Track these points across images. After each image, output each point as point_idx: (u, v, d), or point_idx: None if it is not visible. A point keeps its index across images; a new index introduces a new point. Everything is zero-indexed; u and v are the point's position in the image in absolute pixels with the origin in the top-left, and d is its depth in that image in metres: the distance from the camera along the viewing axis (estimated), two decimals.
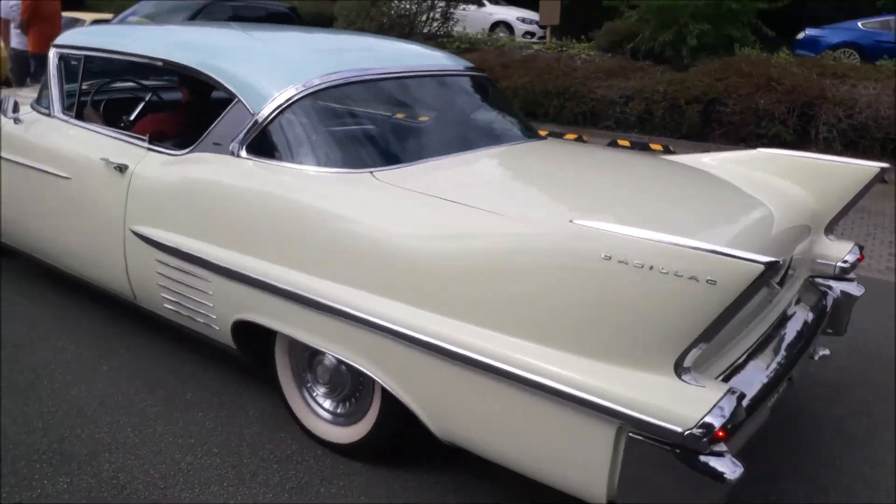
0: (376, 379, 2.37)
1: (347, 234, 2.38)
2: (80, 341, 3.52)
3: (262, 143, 2.75)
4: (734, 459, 1.80)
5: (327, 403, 2.77)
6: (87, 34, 3.95)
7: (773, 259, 1.64)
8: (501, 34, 16.53)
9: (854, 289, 2.92)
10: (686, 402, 1.78)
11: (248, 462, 2.69)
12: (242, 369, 3.29)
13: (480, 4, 17.61)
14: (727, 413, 1.77)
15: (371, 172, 2.58)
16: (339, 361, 2.59)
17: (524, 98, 10.50)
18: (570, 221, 1.92)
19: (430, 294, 2.16)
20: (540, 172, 3.01)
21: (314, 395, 2.80)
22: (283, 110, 2.73)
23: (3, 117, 3.68)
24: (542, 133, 4.01)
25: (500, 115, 3.61)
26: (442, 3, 13.91)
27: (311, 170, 2.63)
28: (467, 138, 3.23)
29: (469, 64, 3.71)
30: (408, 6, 13.60)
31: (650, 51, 11.36)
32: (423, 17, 13.71)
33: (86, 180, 3.28)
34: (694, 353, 1.83)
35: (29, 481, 2.52)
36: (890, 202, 7.07)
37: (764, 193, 2.74)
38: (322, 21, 15.07)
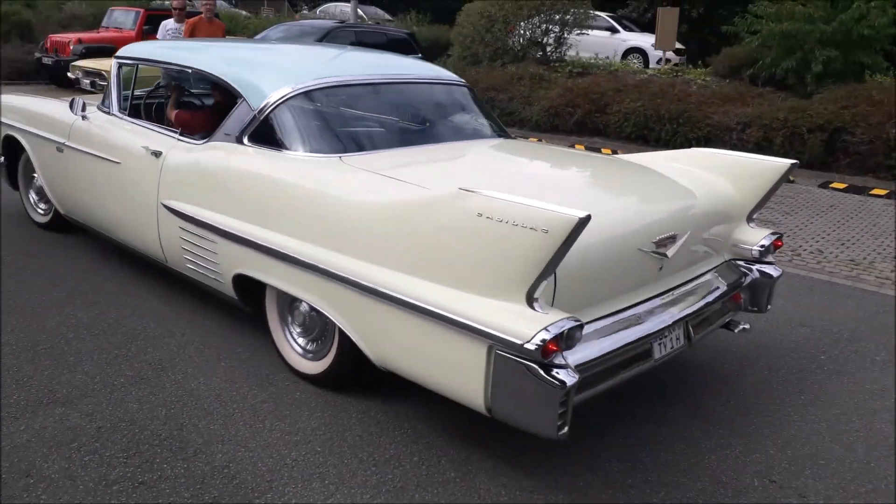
0: (330, 317, 3.00)
1: (313, 203, 3.06)
2: (202, 339, 3.78)
3: (260, 134, 3.47)
4: (571, 371, 2.31)
5: (301, 342, 3.42)
6: (140, 48, 4.80)
7: (585, 214, 2.16)
8: (635, 61, 16.36)
9: (772, 270, 3.43)
10: (529, 323, 2.30)
11: (348, 462, 2.81)
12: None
13: (614, 31, 17.53)
14: (557, 331, 2.28)
15: (339, 157, 3.27)
16: (310, 307, 3.21)
17: (635, 122, 10.36)
18: (459, 189, 2.44)
19: (361, 246, 2.80)
20: (474, 160, 3.73)
21: (293, 335, 3.45)
22: (276, 107, 3.44)
23: (73, 113, 4.49)
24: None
25: (473, 117, 4.25)
26: (556, 29, 13.95)
27: (293, 154, 3.34)
28: (431, 133, 3.96)
29: (454, 77, 4.41)
30: (521, 31, 13.73)
31: (771, 77, 10.95)
32: (538, 42, 13.79)
33: (131, 164, 4.04)
34: (541, 286, 2.35)
35: (150, 463, 2.73)
36: None
37: (684, 183, 3.39)
38: (439, 46, 15.50)
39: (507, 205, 2.33)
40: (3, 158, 5.47)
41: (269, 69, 3.91)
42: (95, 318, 3.94)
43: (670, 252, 2.96)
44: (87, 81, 12.08)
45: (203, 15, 8.72)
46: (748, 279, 3.44)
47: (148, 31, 15.50)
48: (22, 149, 5.14)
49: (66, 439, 2.83)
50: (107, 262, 4.81)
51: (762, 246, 3.41)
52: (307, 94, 3.55)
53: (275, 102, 3.45)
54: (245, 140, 3.50)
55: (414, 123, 4.04)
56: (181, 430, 2.96)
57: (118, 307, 4.11)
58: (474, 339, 2.41)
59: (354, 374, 3.20)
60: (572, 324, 2.35)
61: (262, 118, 3.46)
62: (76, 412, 3.02)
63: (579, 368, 2.42)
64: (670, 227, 2.99)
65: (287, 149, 3.38)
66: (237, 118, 3.58)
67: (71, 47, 14.56)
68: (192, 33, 8.44)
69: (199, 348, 3.68)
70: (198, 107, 4.65)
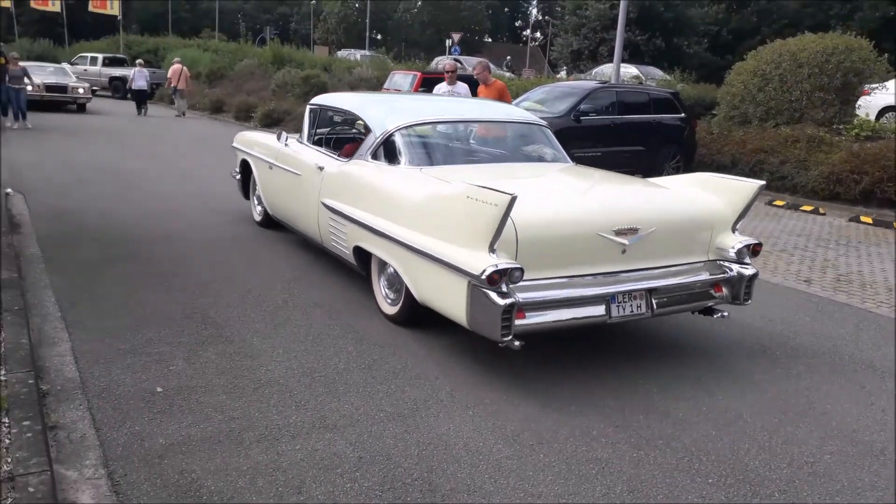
0: (399, 272, 4.46)
1: (392, 196, 4.67)
2: (453, 384, 3.91)
3: (378, 154, 5.12)
4: (510, 298, 3.56)
5: (387, 292, 4.88)
6: (322, 98, 6.57)
7: (514, 195, 3.43)
8: None
9: (748, 270, 4.36)
10: (484, 263, 3.57)
11: None
12: (596, 446, 3.31)
13: None
14: (500, 268, 3.54)
15: (420, 168, 4.84)
16: (392, 269, 4.63)
17: None
18: (465, 185, 3.82)
19: (411, 221, 4.28)
20: (516, 174, 5.16)
21: (383, 287, 4.90)
22: (388, 137, 5.07)
23: (279, 142, 6.47)
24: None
25: (535, 147, 5.72)
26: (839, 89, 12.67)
27: (391, 166, 5.00)
28: (498, 155, 5.64)
29: (532, 118, 5.99)
30: (798, 94, 12.69)
31: None
32: (817, 104, 12.63)
33: (307, 176, 5.81)
34: (498, 241, 3.61)
35: (402, 502, 2.84)
36: None
37: (669, 197, 4.66)
38: (703, 105, 14.90)
39: (478, 190, 3.69)
40: (238, 175, 7.73)
41: (390, 111, 5.43)
42: (363, 353, 4.27)
43: (629, 241, 4.07)
44: None
45: (480, 84, 9.31)
46: (727, 275, 4.40)
47: (422, 92, 17.01)
48: (251, 170, 7.31)
49: (332, 464, 3.06)
50: (373, 301, 5.23)
51: (739, 249, 4.39)
52: (409, 127, 5.16)
53: (389, 131, 5.09)
54: (368, 157, 5.16)
55: (480, 148, 5.76)
56: (431, 472, 3.06)
57: (382, 345, 4.42)
58: (460, 275, 3.76)
59: (414, 314, 4.55)
60: (513, 265, 3.63)
61: (380, 142, 5.11)
62: (342, 440, 3.26)
63: (529, 304, 3.76)
64: (633, 222, 4.10)
65: (390, 163, 5.02)
66: (367, 142, 5.26)
67: None
68: (497, 94, 9.07)
69: (450, 393, 3.81)
70: (352, 137, 6.33)
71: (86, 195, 8.61)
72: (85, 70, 27.81)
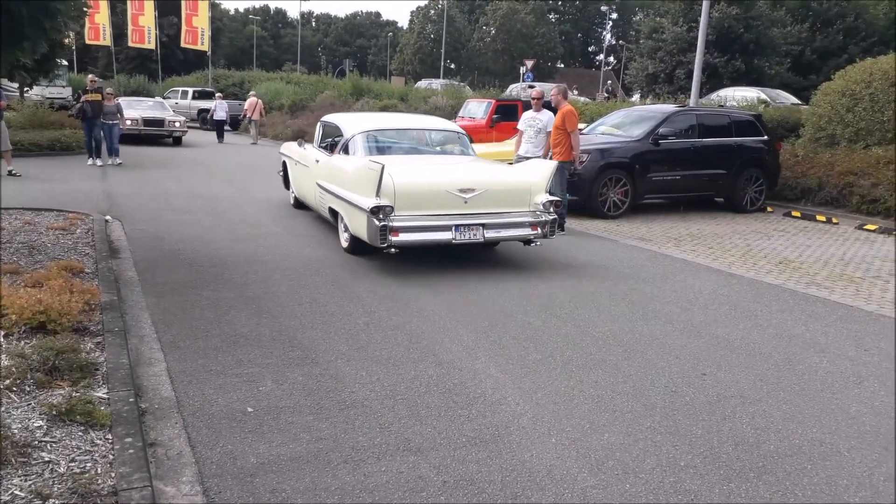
0: (344, 217, 7.38)
1: (345, 174, 7.38)
2: (534, 411, 3.89)
3: (345, 150, 7.92)
4: (384, 221, 6.41)
5: (344, 234, 7.49)
6: (326, 116, 9.64)
7: (382, 164, 6.38)
8: None
9: (551, 216, 7.01)
10: (371, 203, 6.41)
11: None
12: (684, 477, 3.22)
13: None
14: (378, 204, 6.39)
15: (368, 158, 7.16)
16: (341, 216, 7.44)
17: None
18: (369, 160, 6.84)
19: (348, 185, 7.16)
20: (421, 159, 7.89)
21: (341, 231, 7.57)
22: (350, 139, 7.91)
23: (301, 147, 9.61)
24: None
25: (454, 146, 8.53)
26: None
27: (349, 157, 7.73)
28: (420, 149, 8.26)
29: (452, 127, 9.02)
30: (890, 114, 12.11)
31: None
32: None
33: (311, 166, 8.76)
34: (381, 192, 6.44)
35: None
36: None
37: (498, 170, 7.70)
38: (786, 127, 14.43)
39: (369, 162, 6.62)
40: (281, 172, 11.00)
41: (356, 123, 8.35)
42: (443, 377, 4.31)
43: (468, 197, 6.76)
44: None
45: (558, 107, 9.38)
46: (540, 220, 7.05)
47: (497, 119, 17.13)
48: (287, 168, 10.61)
49: (417, 487, 3.09)
50: (452, 327, 5.27)
51: (545, 203, 7.05)
52: (364, 132, 8.03)
53: (352, 135, 7.97)
54: (340, 153, 8.02)
55: (412, 145, 8.33)
56: (515, 499, 3.04)
57: (461, 370, 4.44)
58: (362, 211, 6.49)
59: (356, 246, 7.22)
60: (385, 204, 6.37)
61: (347, 143, 7.96)
62: (426, 463, 3.29)
63: (400, 227, 6.48)
64: (471, 185, 6.83)
65: (349, 155, 7.80)
66: (340, 143, 8.14)
67: None
68: (573, 117, 9.14)
69: (531, 420, 3.78)
70: (338, 142, 8.47)
71: (177, 221, 9.05)
72: (176, 103, 29.28)
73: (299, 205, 10.09)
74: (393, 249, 6.50)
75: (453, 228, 6.74)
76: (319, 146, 9.03)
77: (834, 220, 11.08)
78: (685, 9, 29.37)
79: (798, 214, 11.61)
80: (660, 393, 4.21)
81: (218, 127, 23.91)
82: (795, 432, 3.77)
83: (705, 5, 14.75)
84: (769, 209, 12.05)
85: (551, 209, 7.05)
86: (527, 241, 7.22)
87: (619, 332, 5.31)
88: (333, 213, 7.77)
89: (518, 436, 3.61)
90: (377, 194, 6.41)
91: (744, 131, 11.80)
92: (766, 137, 11.99)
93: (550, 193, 7.25)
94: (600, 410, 3.93)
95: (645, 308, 5.98)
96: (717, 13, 27.33)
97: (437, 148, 8.47)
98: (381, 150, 7.91)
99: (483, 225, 6.84)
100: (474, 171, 7.42)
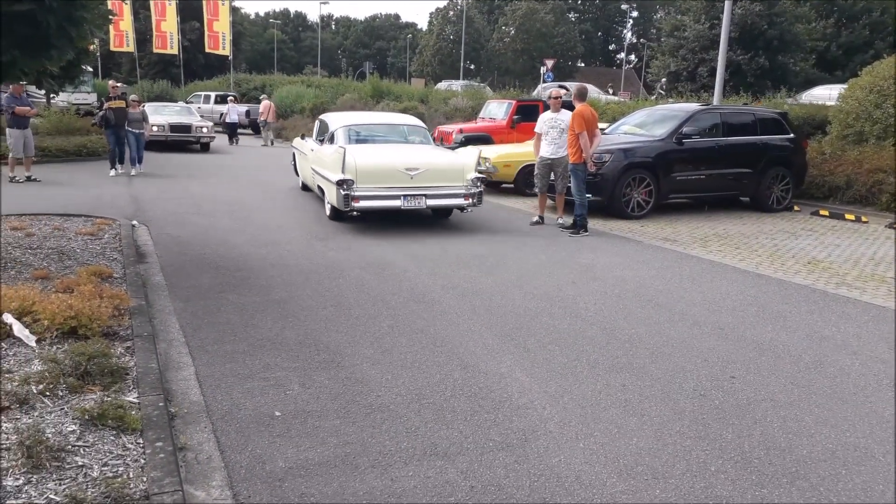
0: (324, 190, 9.87)
1: (324, 157, 9.90)
2: (561, 416, 3.87)
3: (330, 140, 10.11)
4: (349, 191, 8.73)
5: (327, 205, 9.75)
6: (324, 115, 11.70)
7: (345, 148, 8.89)
8: None
9: (478, 189, 9.26)
10: (337, 177, 8.83)
11: None
12: (714, 482, 3.18)
13: None
14: (343, 178, 8.71)
15: (344, 147, 9.00)
16: (324, 191, 9.82)
17: None
18: (340, 148, 8.98)
19: (326, 166, 9.62)
20: (385, 146, 9.90)
21: (325, 202, 9.88)
22: (334, 131, 10.13)
23: (303, 140, 12.14)
24: None
25: (416, 135, 10.51)
26: None
27: (331, 146, 9.81)
28: (387, 139, 10.26)
29: (414, 122, 11.08)
30: None
31: None
32: None
33: (308, 154, 11.21)
34: (346, 170, 8.73)
35: None
36: None
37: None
38: (813, 124, 14.23)
39: (338, 147, 9.09)
40: (292, 162, 13.45)
41: (339, 119, 10.52)
42: (468, 380, 4.30)
43: (413, 174, 8.87)
44: None
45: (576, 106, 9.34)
46: (470, 191, 9.13)
47: (518, 120, 17.08)
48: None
49: (445, 492, 3.08)
50: (477, 329, 5.26)
51: (474, 179, 9.18)
52: (344, 126, 10.10)
53: (334, 129, 10.09)
54: (325, 141, 10.27)
55: (381, 136, 10.24)
56: None
57: (486, 373, 4.43)
58: (333, 184, 8.89)
59: (336, 214, 9.39)
60: (347, 178, 8.68)
61: (330, 134, 10.13)
62: (453, 468, 3.28)
63: (360, 196, 8.73)
64: (415, 165, 8.95)
65: (331, 144, 9.82)
66: (327, 136, 10.27)
67: (453, 136, 16.67)
68: (581, 119, 9.07)
69: (558, 424, 3.76)
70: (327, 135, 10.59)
71: (202, 225, 9.13)
72: (199, 107, 29.61)
73: (305, 188, 12.41)
74: (355, 213, 8.95)
75: (402, 198, 8.89)
76: (316, 139, 11.12)
77: (863, 219, 10.90)
78: (707, 6, 29.11)
79: (826, 213, 11.43)
80: (688, 396, 4.16)
81: (230, 129, 24.60)
82: (829, 436, 3.71)
83: (728, 2, 14.59)
84: (796, 208, 11.88)
85: (479, 184, 9.26)
86: (461, 209, 9.46)
87: (645, 335, 5.26)
88: (321, 189, 10.10)
89: (545, 440, 3.59)
90: (342, 171, 8.72)
91: (769, 129, 11.65)
92: (792, 135, 11.82)
93: (479, 173, 9.51)
94: (628, 414, 3.89)
95: (671, 310, 5.92)
96: (740, 10, 27.05)
97: (403, 138, 10.38)
98: (355, 140, 9.92)
99: (425, 195, 8.98)
100: (420, 154, 9.52)
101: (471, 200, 9.17)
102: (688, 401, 4.10)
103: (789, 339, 5.26)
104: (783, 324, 5.65)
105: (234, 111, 25.25)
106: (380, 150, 9.64)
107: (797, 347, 5.09)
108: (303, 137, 12.13)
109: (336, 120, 10.55)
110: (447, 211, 10.01)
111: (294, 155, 13.12)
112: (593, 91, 27.97)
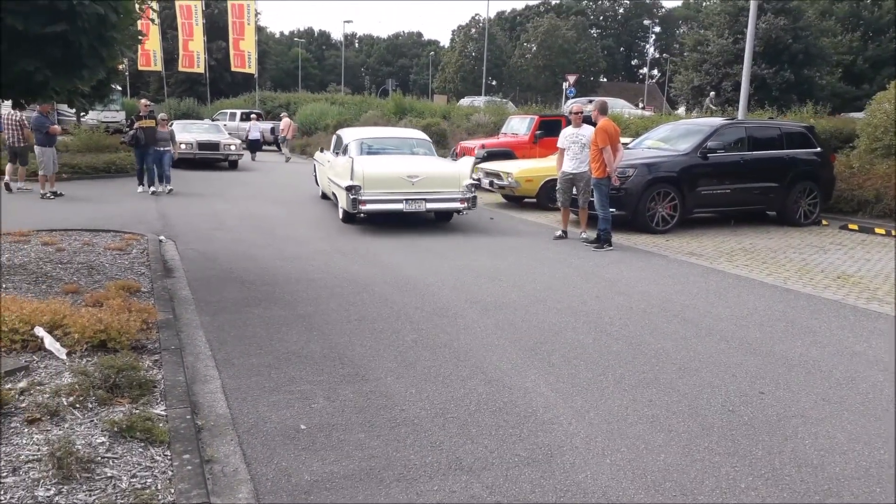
0: (337, 196, 11.00)
1: (337, 167, 11.11)
2: (587, 431, 3.83)
3: (343, 151, 11.36)
4: (358, 196, 9.91)
5: (340, 209, 10.90)
6: (340, 130, 13.16)
7: (354, 159, 10.36)
8: None
9: (472, 194, 10.33)
10: (347, 183, 10.00)
11: None
12: (745, 500, 3.12)
13: None
14: (353, 184, 9.87)
15: (354, 157, 10.43)
16: (337, 197, 10.96)
17: None
18: (350, 158, 10.43)
19: (339, 175, 10.76)
20: (391, 157, 11.09)
21: (339, 208, 10.96)
22: (347, 144, 11.33)
23: (322, 152, 13.71)
24: None
25: (419, 148, 11.66)
26: None
27: (344, 157, 10.94)
28: (395, 151, 11.49)
29: (419, 135, 12.56)
30: None
31: None
32: None
33: (326, 165, 12.44)
34: (355, 177, 9.96)
35: None
36: None
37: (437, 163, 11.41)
38: (842, 137, 14.06)
39: (348, 157, 10.47)
40: (315, 175, 14.60)
41: (352, 134, 11.92)
42: (493, 395, 4.28)
43: (414, 181, 10.02)
44: (487, 181, 13.66)
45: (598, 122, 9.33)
46: (465, 196, 10.20)
47: (540, 135, 17.09)
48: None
49: None
50: (500, 344, 5.24)
51: (468, 185, 10.24)
52: (357, 140, 11.32)
53: (347, 142, 11.32)
54: (340, 153, 11.48)
55: (391, 148, 11.51)
56: None
57: (511, 388, 4.40)
58: (344, 189, 10.06)
59: (348, 217, 10.50)
60: (356, 184, 9.84)
61: (344, 146, 11.35)
62: (478, 483, 3.26)
63: (366, 200, 9.90)
64: (415, 174, 10.12)
65: (348, 155, 10.70)
66: (342, 148, 11.52)
67: (476, 152, 16.72)
68: (604, 133, 9.08)
69: (584, 440, 3.72)
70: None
71: (228, 240, 9.23)
72: (225, 125, 30.05)
73: (324, 196, 13.38)
74: (362, 215, 10.12)
75: (404, 202, 10.01)
76: (333, 151, 12.24)
77: (894, 233, 10.71)
78: (730, 21, 28.99)
79: (855, 227, 11.26)
80: (717, 412, 4.10)
81: (251, 146, 25.22)
82: (862, 454, 3.63)
83: (752, 16, 14.52)
84: (824, 222, 11.72)
85: (473, 189, 10.37)
86: (457, 211, 10.56)
87: (672, 350, 5.20)
88: (335, 196, 11.27)
89: (571, 456, 3.56)
90: (351, 178, 9.91)
91: (796, 143, 11.53)
92: (819, 149, 11.69)
93: (474, 179, 10.80)
94: (655, 430, 3.84)
95: (698, 325, 5.86)
96: (764, 24, 26.89)
97: (409, 150, 11.57)
98: (366, 152, 11.13)
99: (425, 199, 10.09)
100: (421, 164, 10.76)
101: (466, 204, 10.22)
102: (716, 416, 4.04)
103: (820, 355, 5.17)
104: (813, 339, 5.56)
105: (256, 128, 25.99)
106: (385, 160, 10.84)
107: (828, 363, 5.00)
108: (322, 151, 13.70)
109: (349, 134, 11.85)
110: (448, 215, 11.00)
111: (315, 167, 14.70)
112: (625, 106, 27.90)
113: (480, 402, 4.19)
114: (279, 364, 4.70)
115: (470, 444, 3.64)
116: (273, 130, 28.73)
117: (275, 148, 28.86)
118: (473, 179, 10.59)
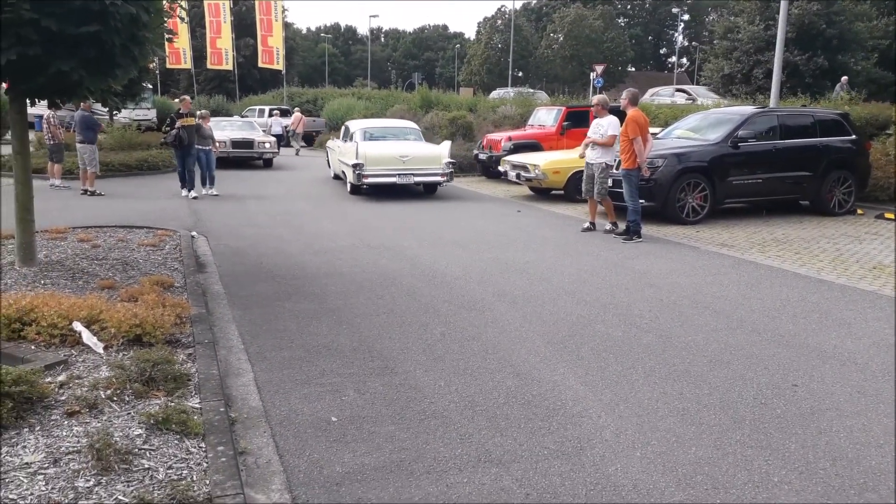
0: (346, 174, 14.48)
1: (345, 150, 14.56)
2: (617, 424, 3.82)
3: (349, 137, 14.83)
4: (361, 171, 13.19)
5: (347, 184, 14.40)
6: (348, 122, 16.87)
7: (358, 143, 13.65)
8: None
9: (448, 170, 13.69)
10: (353, 161, 13.46)
11: None
12: (778, 493, 3.09)
13: None
14: (358, 161, 13.20)
15: (358, 142, 13.72)
16: (346, 174, 14.47)
17: None
18: (355, 143, 13.68)
19: (345, 156, 14.37)
20: (388, 143, 14.39)
21: (347, 181, 14.46)
22: (353, 132, 14.79)
23: (337, 140, 16.63)
24: None
25: (412, 136, 15.23)
26: None
27: (351, 142, 14.29)
28: (390, 137, 15.00)
29: (412, 126, 16.17)
30: None
31: None
32: None
33: (336, 150, 16.11)
34: (359, 157, 13.22)
35: None
36: None
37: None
38: (878, 124, 13.74)
39: (353, 142, 13.82)
40: (327, 159, 18.03)
41: (358, 124, 15.45)
42: (521, 388, 4.28)
43: (405, 160, 13.36)
44: (514, 174, 13.62)
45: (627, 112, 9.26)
46: (447, 171, 13.62)
47: (567, 127, 16.97)
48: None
49: (500, 499, 3.07)
50: (529, 337, 5.24)
51: (446, 162, 13.58)
52: (361, 129, 14.74)
53: (353, 131, 14.80)
54: (348, 140, 14.69)
55: (388, 135, 14.99)
56: None
57: (539, 381, 4.41)
58: (351, 167, 13.42)
59: (355, 189, 13.73)
60: (359, 162, 13.12)
61: (350, 134, 14.82)
62: (508, 475, 3.27)
63: (368, 174, 13.24)
64: (406, 154, 13.50)
65: (354, 141, 13.88)
66: (348, 135, 15.01)
67: (502, 144, 16.67)
68: (635, 124, 9.00)
69: (614, 433, 3.71)
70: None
71: (258, 235, 9.35)
72: (254, 121, 30.33)
73: (336, 177, 16.31)
74: (365, 187, 13.26)
75: (397, 176, 13.17)
76: (342, 139, 15.37)
77: None
78: (761, 7, 28.43)
79: (892, 216, 11.01)
80: (748, 405, 4.06)
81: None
82: None
83: (784, 2, 14.23)
84: (859, 211, 11.48)
85: (450, 167, 13.49)
86: (438, 184, 13.84)
87: (703, 343, 5.16)
88: (343, 174, 14.50)
89: (601, 449, 3.55)
90: (357, 158, 12.95)
91: (829, 131, 11.31)
92: (853, 137, 11.45)
93: (451, 158, 13.71)
94: (686, 423, 3.82)
95: (730, 317, 5.79)
96: (797, 10, 26.33)
97: (402, 136, 14.87)
98: (368, 138, 14.19)
99: (413, 174, 13.27)
100: (411, 147, 13.90)
101: (445, 178, 13.60)
102: (748, 409, 4.00)
103: (855, 347, 5.09)
104: (848, 331, 5.46)
105: (278, 124, 27.39)
106: (383, 144, 14.03)
107: (863, 355, 4.92)
108: (332, 138, 17.52)
109: (354, 124, 15.29)
110: (433, 187, 14.24)
111: (327, 152, 18.00)
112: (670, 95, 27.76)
113: (509, 395, 4.20)
114: (310, 357, 4.76)
115: (499, 437, 3.65)
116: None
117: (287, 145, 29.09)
118: (451, 159, 13.76)
